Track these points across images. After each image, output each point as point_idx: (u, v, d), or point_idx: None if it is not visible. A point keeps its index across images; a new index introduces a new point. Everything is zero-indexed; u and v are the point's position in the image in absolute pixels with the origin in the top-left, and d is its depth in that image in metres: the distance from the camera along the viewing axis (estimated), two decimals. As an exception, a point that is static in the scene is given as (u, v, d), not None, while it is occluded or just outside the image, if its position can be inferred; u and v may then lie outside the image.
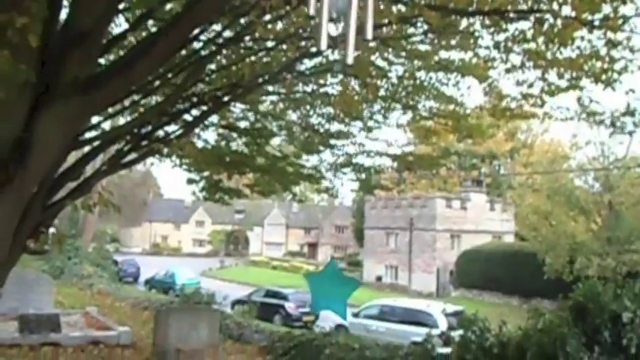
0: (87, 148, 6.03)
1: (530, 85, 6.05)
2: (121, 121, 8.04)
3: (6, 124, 3.66)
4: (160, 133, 6.74)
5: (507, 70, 5.84)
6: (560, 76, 5.62)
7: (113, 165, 6.03)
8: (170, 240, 74.52)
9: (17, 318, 11.44)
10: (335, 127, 9.55)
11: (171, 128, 7.09)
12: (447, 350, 8.55)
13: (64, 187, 5.13)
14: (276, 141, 10.90)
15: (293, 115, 9.62)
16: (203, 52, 5.91)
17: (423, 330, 9.65)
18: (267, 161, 10.30)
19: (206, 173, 10.70)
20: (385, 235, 43.40)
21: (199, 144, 9.42)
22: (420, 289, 37.55)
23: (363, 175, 11.06)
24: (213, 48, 5.97)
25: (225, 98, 6.99)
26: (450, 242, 39.68)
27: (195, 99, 6.87)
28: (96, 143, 5.63)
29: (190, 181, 11.03)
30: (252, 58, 6.67)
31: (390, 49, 6.74)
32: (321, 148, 10.32)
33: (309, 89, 8.31)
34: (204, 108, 6.99)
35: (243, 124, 9.73)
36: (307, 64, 7.33)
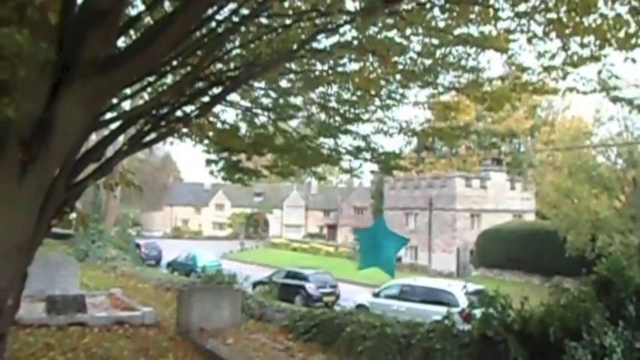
0: (107, 131, 6.09)
1: (553, 57, 5.92)
2: (140, 102, 8.08)
3: (28, 103, 3.68)
4: (179, 113, 6.77)
5: (529, 40, 5.72)
6: (583, 46, 5.49)
7: (133, 145, 6.08)
8: (191, 223, 75.30)
9: (44, 299, 11.71)
10: (353, 111, 9.47)
11: (189, 108, 7.11)
12: (468, 327, 8.50)
13: (85, 169, 5.18)
14: (293, 123, 10.85)
15: (312, 95, 9.56)
16: (219, 30, 5.89)
17: (444, 309, 9.60)
18: (286, 141, 10.28)
19: (225, 154, 10.73)
20: (404, 215, 43.37)
21: (218, 124, 9.43)
22: (440, 269, 37.52)
23: (382, 157, 10.98)
24: (230, 26, 5.94)
25: (243, 77, 6.97)
26: (470, 222, 39.53)
27: (212, 78, 6.87)
28: (116, 124, 5.67)
29: (209, 162, 11.07)
30: (269, 35, 6.63)
31: (408, 26, 6.62)
32: (339, 134, 10.25)
33: (325, 67, 8.23)
34: (222, 87, 6.98)
35: (265, 102, 9.71)
36: (324, 42, 7.26)
